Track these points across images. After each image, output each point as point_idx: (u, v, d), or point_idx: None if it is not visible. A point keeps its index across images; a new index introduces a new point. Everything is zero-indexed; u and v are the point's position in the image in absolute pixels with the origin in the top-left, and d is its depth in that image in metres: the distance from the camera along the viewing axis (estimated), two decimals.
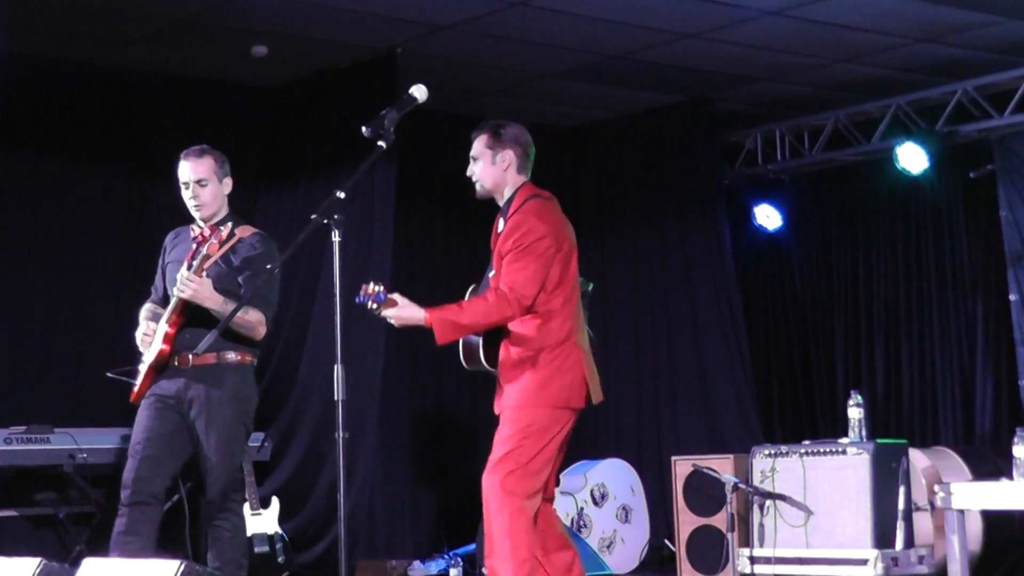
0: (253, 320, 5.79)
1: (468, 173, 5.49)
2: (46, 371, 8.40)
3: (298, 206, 8.71)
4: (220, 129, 9.01)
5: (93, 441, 7.90)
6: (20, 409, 8.15)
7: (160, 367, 5.83)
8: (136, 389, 5.89)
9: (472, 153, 5.49)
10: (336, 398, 4.59)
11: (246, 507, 7.84)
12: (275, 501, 7.88)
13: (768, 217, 10.40)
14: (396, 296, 5.15)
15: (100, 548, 6.28)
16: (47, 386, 8.38)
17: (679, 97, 9.89)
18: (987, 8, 8.09)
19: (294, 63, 8.83)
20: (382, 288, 5.05)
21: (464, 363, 5.43)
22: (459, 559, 8.27)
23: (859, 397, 7.55)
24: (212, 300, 5.70)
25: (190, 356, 5.79)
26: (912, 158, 9.26)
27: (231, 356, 5.82)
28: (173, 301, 5.79)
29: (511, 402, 5.24)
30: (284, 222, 8.71)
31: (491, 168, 5.44)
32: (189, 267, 5.76)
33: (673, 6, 8.02)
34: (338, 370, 4.60)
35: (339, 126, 8.55)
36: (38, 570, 4.74)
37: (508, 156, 5.47)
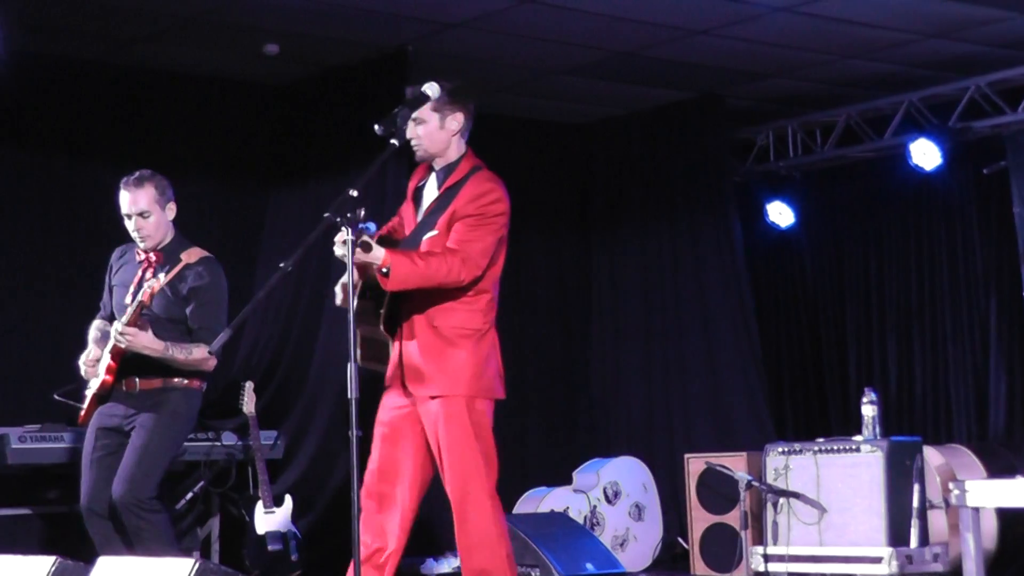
0: (198, 358, 5.79)
1: (408, 136, 5.08)
2: (59, 370, 8.38)
3: (309, 204, 8.70)
4: (231, 127, 9.03)
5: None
6: (34, 408, 8.15)
7: (104, 396, 5.88)
8: (83, 413, 5.92)
9: (416, 115, 5.10)
10: (349, 396, 4.57)
11: (259, 505, 7.85)
12: (288, 499, 7.88)
13: (780, 214, 10.38)
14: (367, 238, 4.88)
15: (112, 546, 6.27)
16: (60, 385, 8.36)
17: (689, 94, 9.87)
18: (999, 3, 8.07)
19: (305, 61, 8.82)
20: (371, 224, 4.85)
21: (356, 299, 4.95)
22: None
23: (873, 395, 7.53)
24: (150, 348, 5.71)
25: (136, 380, 5.83)
26: (925, 154, 9.24)
27: (178, 381, 5.86)
28: (112, 342, 5.77)
29: (447, 389, 4.97)
30: (295, 220, 8.70)
31: (439, 132, 5.12)
32: (134, 298, 5.69)
33: (683, 2, 8.00)
34: (351, 368, 4.59)
35: (350, 124, 8.54)
36: (53, 568, 4.75)
37: (459, 119, 5.17)
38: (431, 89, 4.97)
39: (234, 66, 8.84)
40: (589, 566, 7.36)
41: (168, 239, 5.95)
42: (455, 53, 8.74)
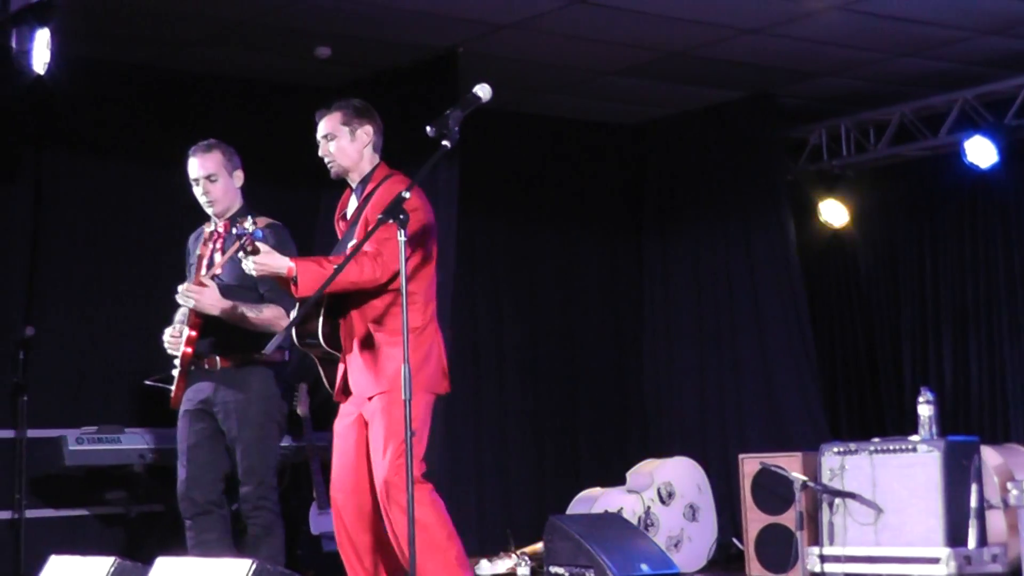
0: (270, 317, 5.79)
1: (321, 154, 5.31)
2: (116, 372, 8.47)
3: None
4: (282, 130, 9.07)
5: (162, 441, 7.96)
6: (91, 410, 8.24)
7: (189, 374, 5.87)
8: (173, 394, 5.94)
9: (323, 132, 5.30)
10: (404, 396, 4.59)
11: (313, 506, 7.89)
12: None
13: (833, 213, 10.32)
14: (261, 244, 5.02)
15: (170, 547, 6.31)
16: (117, 387, 8.45)
17: (742, 93, 9.83)
18: None
19: (356, 64, 8.86)
20: (262, 229, 4.94)
21: (296, 341, 5.16)
22: (526, 557, 8.26)
23: (929, 394, 7.47)
24: (216, 307, 5.73)
25: (217, 358, 5.83)
26: (980, 152, 9.16)
27: (258, 356, 5.78)
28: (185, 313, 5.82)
29: (384, 386, 5.00)
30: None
31: (351, 145, 5.30)
32: (210, 266, 5.76)
33: (735, 2, 7.98)
34: (405, 369, 4.60)
35: (401, 126, 8.56)
36: (113, 569, 4.80)
37: (368, 131, 5.34)
38: (482, 91, 4.97)
39: (286, 69, 8.89)
40: (644, 567, 7.34)
41: (236, 207, 5.99)
42: (506, 55, 8.75)
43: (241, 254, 4.92)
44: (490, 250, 10.12)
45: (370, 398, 5.06)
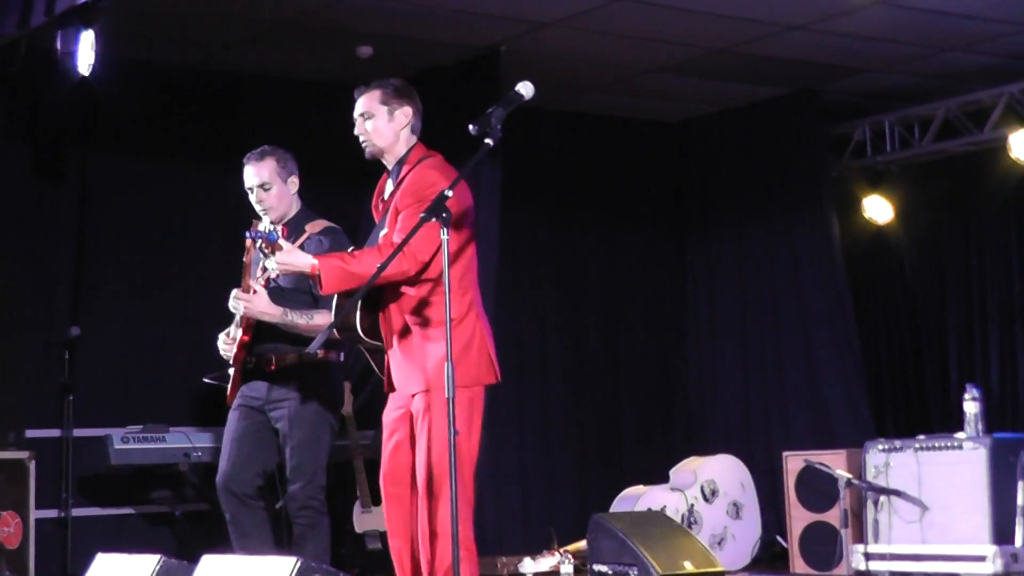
0: (321, 323, 5.77)
1: (356, 132, 5.20)
2: (161, 371, 8.53)
3: None
4: (325, 129, 9.09)
5: (207, 440, 8.02)
6: (136, 409, 8.29)
7: (243, 371, 5.90)
8: (229, 391, 5.97)
9: (360, 111, 5.20)
10: (448, 395, 4.59)
11: (357, 504, 7.91)
12: None
13: (878, 209, 10.26)
14: (282, 241, 4.99)
15: (216, 545, 6.35)
16: (162, 386, 8.50)
17: (785, 89, 9.79)
18: None
19: (398, 63, 8.87)
20: (276, 228, 4.88)
21: (337, 333, 5.04)
22: (569, 555, 8.26)
23: (975, 391, 7.43)
24: (267, 314, 5.73)
25: (272, 357, 5.85)
26: None
27: (312, 355, 5.78)
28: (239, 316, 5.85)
29: (423, 384, 4.91)
30: None
31: (388, 125, 5.19)
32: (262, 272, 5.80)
33: None
34: (449, 367, 4.60)
35: (443, 124, 8.57)
36: (158, 567, 4.82)
37: (408, 112, 5.23)
38: (525, 89, 4.96)
39: (328, 69, 8.91)
40: (687, 565, 7.32)
41: (293, 212, 6.00)
42: (548, 53, 8.74)
43: (262, 256, 4.90)
44: (533, 248, 10.12)
45: (413, 395, 5.03)
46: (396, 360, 5.06)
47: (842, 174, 10.40)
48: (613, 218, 10.45)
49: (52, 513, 7.91)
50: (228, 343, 5.90)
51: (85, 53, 6.78)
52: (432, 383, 4.89)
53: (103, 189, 8.54)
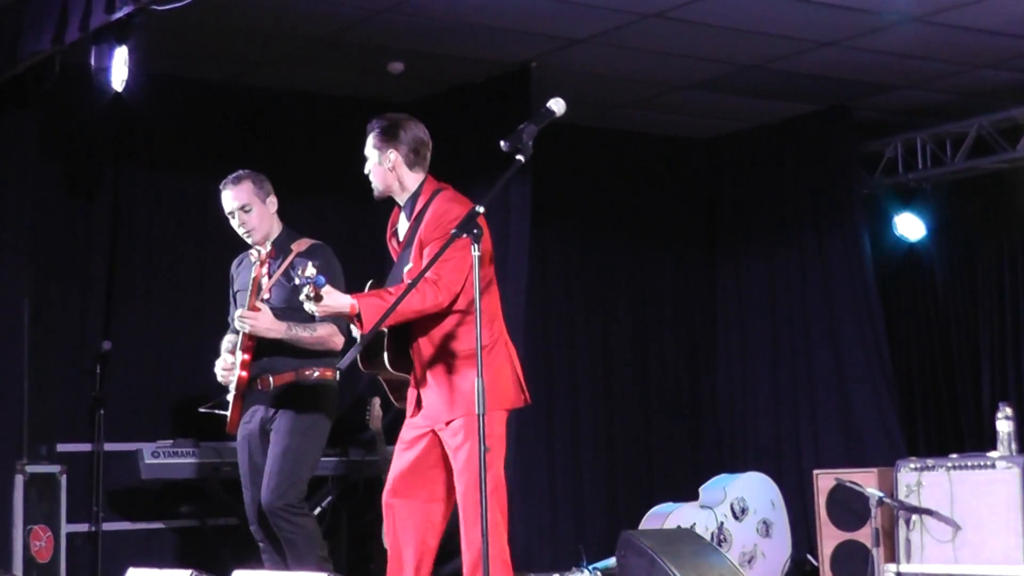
0: (323, 335, 5.87)
1: (366, 171, 5.35)
2: (191, 386, 8.54)
3: None
4: (357, 145, 9.12)
5: (237, 455, 8.02)
6: (166, 424, 8.31)
7: (245, 397, 5.95)
8: (229, 419, 5.99)
9: (365, 151, 5.35)
10: (477, 411, 4.59)
11: None
12: None
13: (910, 227, 10.22)
14: (323, 288, 4.96)
15: (245, 560, 6.36)
16: (193, 401, 8.51)
17: (817, 106, 9.77)
18: None
19: (429, 79, 8.90)
20: (321, 276, 4.86)
21: (360, 364, 5.08)
22: (599, 572, 8.24)
23: (1008, 409, 7.39)
24: (272, 330, 5.80)
25: (271, 378, 5.90)
26: None
27: (309, 373, 5.92)
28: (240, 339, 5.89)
29: (461, 411, 4.98)
30: None
31: (379, 168, 5.28)
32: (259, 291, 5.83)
33: (810, 15, 7.93)
34: (479, 383, 4.60)
35: (474, 141, 8.59)
36: None
37: (393, 156, 5.26)
38: (556, 105, 4.96)
39: (359, 85, 8.94)
40: None
41: (276, 233, 6.07)
42: (579, 69, 8.75)
43: (303, 299, 4.90)
44: (563, 265, 10.12)
45: (448, 423, 5.05)
46: (426, 388, 5.10)
47: (874, 191, 10.37)
48: (643, 235, 10.44)
49: (83, 527, 7.93)
50: (227, 368, 5.94)
51: (119, 69, 6.83)
52: (469, 409, 4.93)
53: (135, 204, 8.58)
